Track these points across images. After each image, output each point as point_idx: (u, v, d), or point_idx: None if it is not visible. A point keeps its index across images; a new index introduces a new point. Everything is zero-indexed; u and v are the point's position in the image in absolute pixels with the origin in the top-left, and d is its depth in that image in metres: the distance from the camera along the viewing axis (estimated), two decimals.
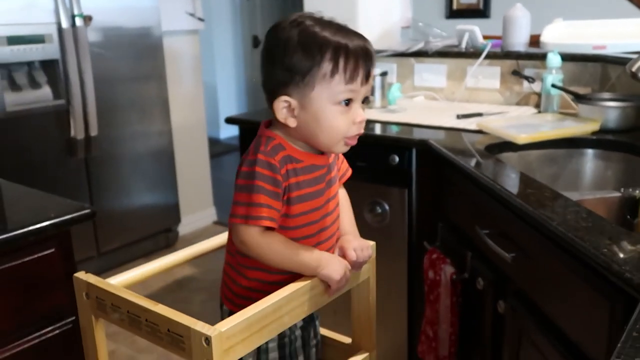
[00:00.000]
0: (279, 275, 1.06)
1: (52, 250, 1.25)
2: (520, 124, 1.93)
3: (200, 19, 3.68)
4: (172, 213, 3.57)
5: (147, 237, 3.42)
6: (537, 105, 2.22)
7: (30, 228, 1.20)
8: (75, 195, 2.77)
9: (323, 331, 1.23)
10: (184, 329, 0.86)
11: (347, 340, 1.22)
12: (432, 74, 2.53)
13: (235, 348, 0.87)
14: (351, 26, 1.04)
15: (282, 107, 1.01)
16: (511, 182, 1.47)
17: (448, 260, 1.70)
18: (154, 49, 3.31)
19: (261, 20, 6.23)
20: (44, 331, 1.26)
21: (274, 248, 1.03)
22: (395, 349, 2.07)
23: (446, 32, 2.73)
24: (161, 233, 3.53)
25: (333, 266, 1.04)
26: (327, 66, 0.97)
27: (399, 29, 2.93)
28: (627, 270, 0.93)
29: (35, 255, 1.22)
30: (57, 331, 1.27)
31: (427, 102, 2.49)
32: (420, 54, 2.54)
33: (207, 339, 0.83)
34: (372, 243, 1.14)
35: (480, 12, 4.56)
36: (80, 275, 1.04)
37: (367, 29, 2.70)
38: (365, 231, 2.12)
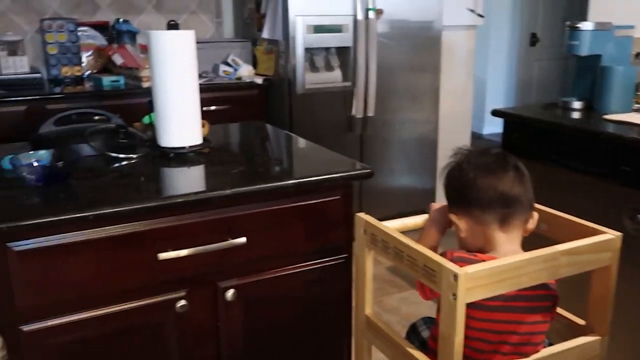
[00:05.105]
0: None
1: (338, 197, 1.56)
2: None
3: (480, 15, 3.82)
4: (428, 197, 3.81)
5: (401, 215, 3.72)
6: None
7: (327, 176, 1.52)
8: None
9: (558, 310, 1.32)
10: (437, 266, 1.07)
11: (580, 321, 1.30)
12: None
13: (476, 289, 1.05)
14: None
15: None
16: None
17: None
18: (433, 41, 3.57)
19: (542, 17, 6.08)
20: (322, 259, 1.57)
21: None
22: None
23: None
24: (415, 213, 3.80)
25: None
26: None
27: None
28: None
29: (326, 199, 1.54)
30: (333, 262, 1.59)
31: None
32: None
33: (455, 276, 1.03)
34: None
35: None
36: (361, 215, 1.32)
37: None
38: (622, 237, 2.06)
